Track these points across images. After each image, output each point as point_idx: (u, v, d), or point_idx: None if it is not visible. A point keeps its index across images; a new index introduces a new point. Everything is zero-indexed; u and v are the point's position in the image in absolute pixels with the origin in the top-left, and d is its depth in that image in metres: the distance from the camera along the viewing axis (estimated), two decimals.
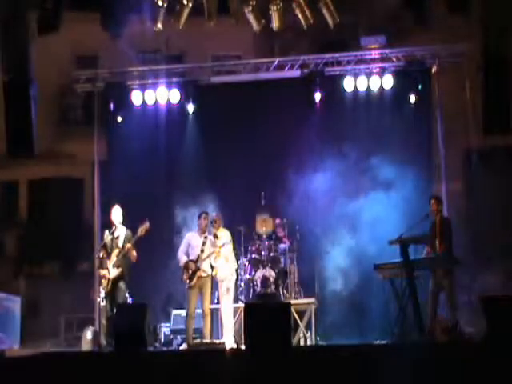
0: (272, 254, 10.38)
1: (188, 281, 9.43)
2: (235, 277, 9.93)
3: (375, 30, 11.90)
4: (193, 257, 9.52)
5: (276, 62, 11.71)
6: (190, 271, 9.44)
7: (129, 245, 9.00)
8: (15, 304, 10.29)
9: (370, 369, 5.71)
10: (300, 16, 9.73)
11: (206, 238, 9.61)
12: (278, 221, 10.85)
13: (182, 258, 9.58)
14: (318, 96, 11.45)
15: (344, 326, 10.19)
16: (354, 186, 10.98)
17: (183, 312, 9.97)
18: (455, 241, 8.82)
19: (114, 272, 9.07)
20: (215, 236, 9.63)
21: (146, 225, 9.04)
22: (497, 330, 6.27)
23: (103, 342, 9.10)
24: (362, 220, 10.78)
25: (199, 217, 9.69)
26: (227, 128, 11.58)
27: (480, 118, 10.03)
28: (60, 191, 15.15)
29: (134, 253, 9.07)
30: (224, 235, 9.77)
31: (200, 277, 9.42)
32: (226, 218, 10.07)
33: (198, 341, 9.29)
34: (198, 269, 9.43)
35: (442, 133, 11.41)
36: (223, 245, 9.52)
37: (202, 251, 9.49)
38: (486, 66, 9.62)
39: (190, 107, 11.78)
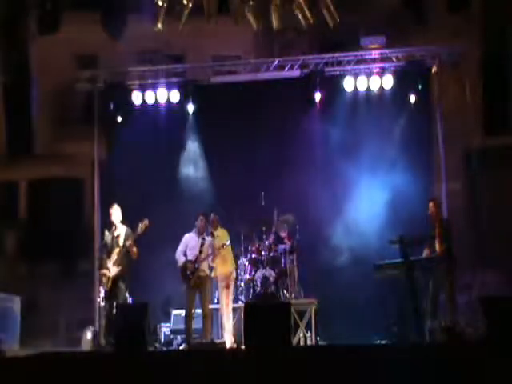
0: (272, 254, 10.38)
1: (187, 281, 9.44)
2: (234, 276, 9.94)
3: (375, 30, 11.89)
4: (191, 257, 9.52)
5: (276, 62, 11.71)
6: (189, 271, 9.45)
7: (129, 242, 9.02)
8: (15, 304, 10.26)
9: (370, 369, 5.71)
10: (300, 16, 9.73)
11: (204, 238, 9.63)
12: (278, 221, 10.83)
13: (181, 259, 9.59)
14: (317, 96, 11.43)
15: (344, 326, 10.18)
16: (354, 185, 10.98)
17: (183, 312, 9.95)
18: (455, 241, 8.81)
19: (114, 270, 9.08)
20: (212, 235, 9.64)
21: (146, 222, 9.06)
22: (497, 330, 6.26)
23: (103, 342, 9.10)
24: (362, 220, 10.77)
25: (197, 218, 9.70)
26: (227, 128, 11.56)
27: (480, 118, 10.03)
28: (60, 191, 15.12)
29: (135, 249, 9.09)
30: (222, 235, 9.78)
31: (198, 277, 9.44)
32: (226, 217, 10.07)
33: (198, 341, 9.29)
34: (196, 269, 9.44)
35: (442, 133, 11.39)
36: (223, 245, 9.52)
37: (201, 252, 9.50)
38: (485, 66, 9.63)
39: (190, 107, 11.77)
